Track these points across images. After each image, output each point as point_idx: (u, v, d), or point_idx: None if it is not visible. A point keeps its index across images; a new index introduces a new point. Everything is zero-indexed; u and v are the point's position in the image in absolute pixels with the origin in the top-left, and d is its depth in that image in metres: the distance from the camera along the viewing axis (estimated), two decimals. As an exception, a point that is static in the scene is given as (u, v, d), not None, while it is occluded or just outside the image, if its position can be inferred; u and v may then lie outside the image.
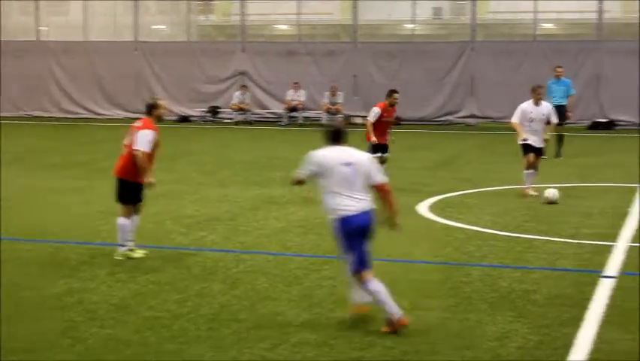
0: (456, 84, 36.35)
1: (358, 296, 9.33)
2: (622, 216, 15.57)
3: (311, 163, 9.27)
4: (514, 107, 37.84)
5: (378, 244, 13.30)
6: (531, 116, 17.97)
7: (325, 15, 42.29)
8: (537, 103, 18.11)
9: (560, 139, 24.80)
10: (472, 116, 36.18)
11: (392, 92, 18.61)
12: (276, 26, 43.92)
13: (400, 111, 35.96)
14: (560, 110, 25.23)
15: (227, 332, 9.07)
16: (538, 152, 18.11)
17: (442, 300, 10.29)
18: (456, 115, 36.39)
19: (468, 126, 35.11)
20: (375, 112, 18.26)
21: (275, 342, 8.76)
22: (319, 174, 9.20)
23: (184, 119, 37.55)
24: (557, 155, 24.55)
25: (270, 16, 42.16)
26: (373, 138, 18.21)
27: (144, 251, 12.44)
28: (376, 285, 9.09)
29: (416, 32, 38.86)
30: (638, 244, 13.31)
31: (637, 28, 34.72)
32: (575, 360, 8.29)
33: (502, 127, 34.74)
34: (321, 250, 12.98)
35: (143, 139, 12.11)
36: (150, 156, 12.25)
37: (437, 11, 42.47)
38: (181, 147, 27.50)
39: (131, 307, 9.95)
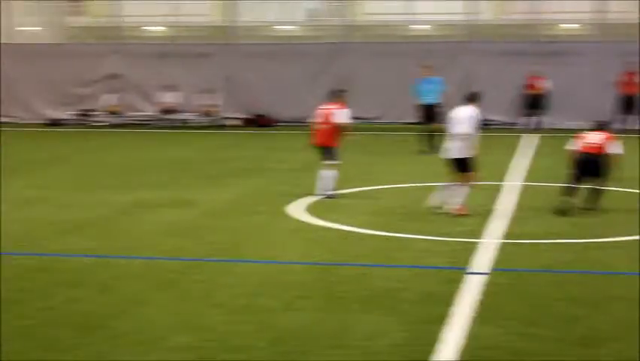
0: (331, 85, 36.43)
1: None
2: (489, 213, 15.92)
3: None
4: (389, 108, 38.23)
5: (250, 246, 13.41)
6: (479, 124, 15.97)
7: (199, 17, 42.04)
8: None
9: (431, 138, 25.16)
10: (347, 116, 36.34)
11: (343, 92, 18.10)
12: (148, 28, 43.46)
13: (276, 112, 36.34)
14: (432, 108, 25.68)
15: (99, 339, 8.93)
16: None
17: (314, 300, 10.35)
18: (331, 116, 36.42)
19: (343, 127, 35.31)
20: (349, 113, 17.49)
21: (149, 347, 8.68)
22: None
23: (55, 122, 36.82)
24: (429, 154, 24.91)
25: (142, 18, 41.68)
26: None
27: None
28: None
29: (291, 34, 38.90)
30: (504, 241, 13.64)
31: (508, 29, 35.49)
32: (444, 356, 8.44)
33: (376, 127, 35.20)
34: (194, 253, 12.94)
35: None
36: None
37: (312, 12, 42.67)
38: (52, 151, 27.04)
39: (-2, 316, 9.74)
